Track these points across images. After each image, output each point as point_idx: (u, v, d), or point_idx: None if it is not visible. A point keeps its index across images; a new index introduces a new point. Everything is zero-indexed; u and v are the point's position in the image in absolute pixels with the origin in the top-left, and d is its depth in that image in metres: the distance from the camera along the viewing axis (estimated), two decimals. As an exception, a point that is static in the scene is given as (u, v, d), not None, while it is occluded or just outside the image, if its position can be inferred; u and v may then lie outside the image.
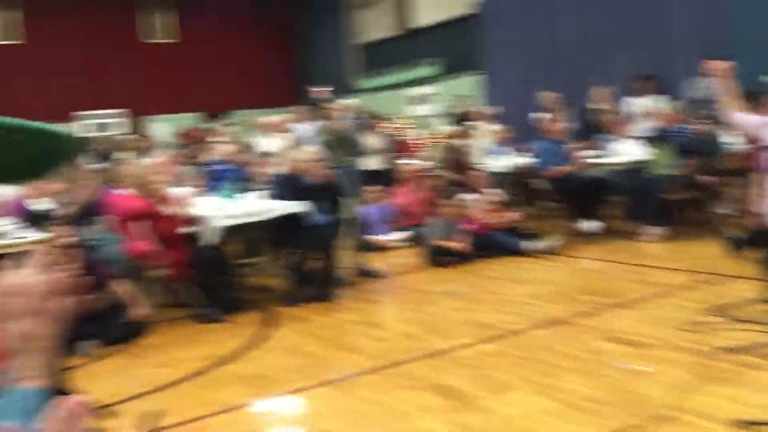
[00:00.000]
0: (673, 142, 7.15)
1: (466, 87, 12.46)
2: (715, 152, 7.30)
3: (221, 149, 8.44)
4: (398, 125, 13.19)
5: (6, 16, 14.58)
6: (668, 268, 5.84)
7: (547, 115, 9.27)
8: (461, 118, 10.76)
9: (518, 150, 9.50)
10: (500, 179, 8.39)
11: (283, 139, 8.58)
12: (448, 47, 13.69)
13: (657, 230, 7.00)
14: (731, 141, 7.54)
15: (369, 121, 10.00)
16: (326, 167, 6.45)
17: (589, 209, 7.54)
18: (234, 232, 5.76)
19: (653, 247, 6.74)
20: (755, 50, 8.71)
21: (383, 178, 9.34)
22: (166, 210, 5.44)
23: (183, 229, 5.49)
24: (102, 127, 14.48)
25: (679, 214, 7.17)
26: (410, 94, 14.53)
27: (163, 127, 14.37)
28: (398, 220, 8.40)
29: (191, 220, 5.57)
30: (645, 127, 7.96)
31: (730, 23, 8.90)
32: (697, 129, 7.51)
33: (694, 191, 7.14)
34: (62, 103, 14.20)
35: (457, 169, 8.78)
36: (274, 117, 9.59)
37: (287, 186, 6.10)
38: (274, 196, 6.23)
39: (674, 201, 7.05)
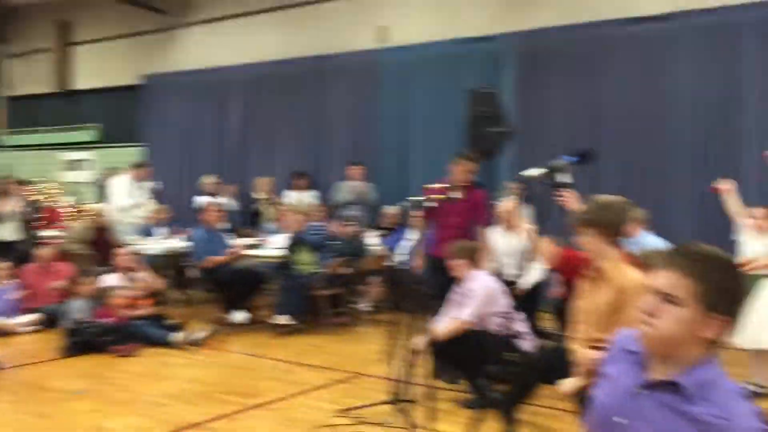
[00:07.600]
0: (307, 242, 7.49)
1: (126, 158, 11.80)
2: (360, 253, 7.87)
3: None
4: (46, 191, 12.02)
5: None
6: (310, 365, 6.00)
7: (207, 200, 9.20)
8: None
9: (175, 232, 9.18)
10: (152, 261, 7.98)
11: None
12: (110, 114, 12.96)
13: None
14: (373, 243, 8.22)
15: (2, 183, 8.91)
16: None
17: (239, 300, 7.51)
18: None
19: (299, 342, 6.88)
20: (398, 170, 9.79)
21: (17, 251, 8.35)
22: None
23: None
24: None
25: (325, 309, 7.48)
26: (64, 158, 13.37)
27: None
28: (26, 301, 7.48)
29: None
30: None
31: (378, 140, 9.86)
32: (343, 231, 8.06)
33: (338, 288, 7.55)
34: None
35: (101, 246, 8.09)
36: None
37: None
38: None
39: (319, 296, 7.36)
